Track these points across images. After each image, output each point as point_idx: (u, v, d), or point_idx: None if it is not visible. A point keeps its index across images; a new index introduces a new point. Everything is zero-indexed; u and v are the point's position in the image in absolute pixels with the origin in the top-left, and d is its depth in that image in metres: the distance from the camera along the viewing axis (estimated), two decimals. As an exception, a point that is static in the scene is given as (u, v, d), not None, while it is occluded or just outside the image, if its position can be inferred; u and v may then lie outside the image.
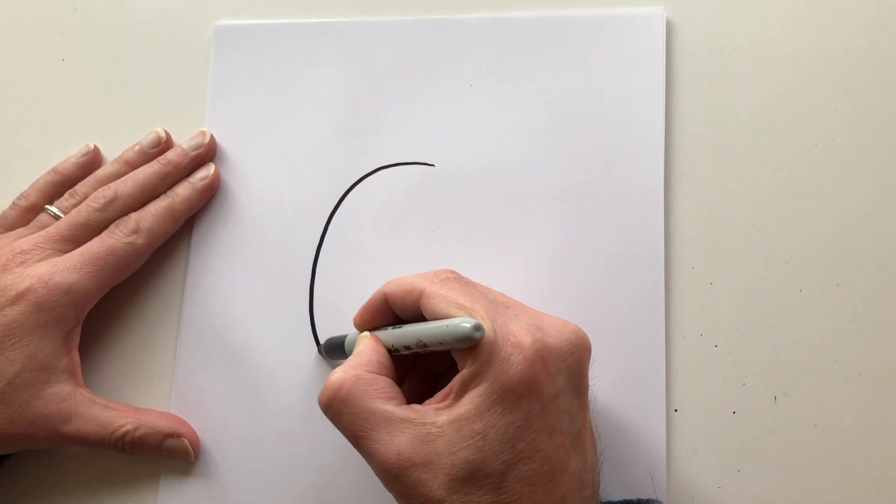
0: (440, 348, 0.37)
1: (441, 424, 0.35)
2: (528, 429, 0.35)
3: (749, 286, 0.46)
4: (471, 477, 0.35)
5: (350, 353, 0.42)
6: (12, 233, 0.49)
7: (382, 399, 0.37)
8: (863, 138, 0.47)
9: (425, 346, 0.38)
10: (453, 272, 0.40)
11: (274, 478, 0.46)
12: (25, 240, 0.47)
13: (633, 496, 0.43)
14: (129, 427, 0.45)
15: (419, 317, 0.39)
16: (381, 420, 0.37)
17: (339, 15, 0.53)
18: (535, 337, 0.36)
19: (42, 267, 0.45)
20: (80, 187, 0.50)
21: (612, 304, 0.46)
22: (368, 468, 0.46)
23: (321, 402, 0.38)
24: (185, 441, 0.46)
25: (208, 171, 0.50)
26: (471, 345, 0.35)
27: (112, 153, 0.52)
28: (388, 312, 0.41)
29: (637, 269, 0.46)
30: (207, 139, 0.51)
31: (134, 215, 0.48)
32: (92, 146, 0.52)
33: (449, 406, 0.36)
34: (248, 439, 0.47)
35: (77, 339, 0.47)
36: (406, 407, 0.37)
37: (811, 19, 0.49)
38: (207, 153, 0.51)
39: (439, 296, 0.38)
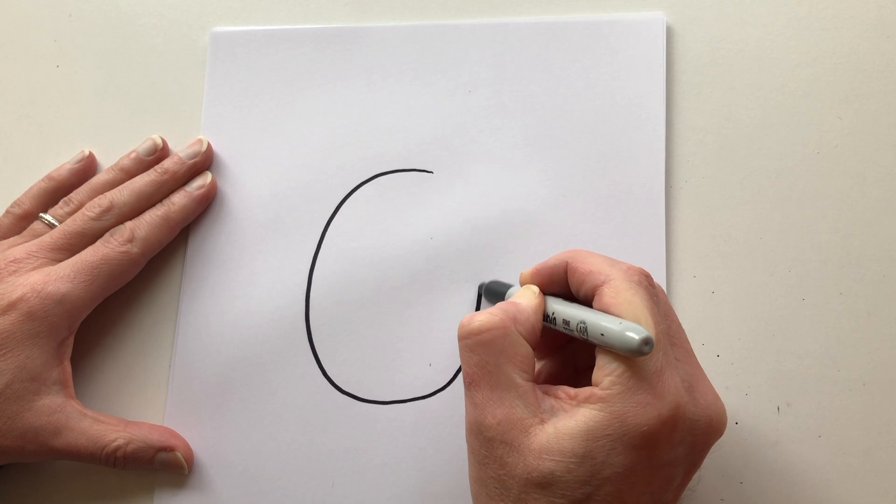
0: (598, 341, 0.34)
1: (547, 423, 0.34)
2: (625, 480, 0.33)
3: (751, 295, 0.45)
4: (546, 487, 0.33)
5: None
6: (6, 241, 0.48)
7: (516, 366, 0.36)
8: (865, 145, 0.47)
9: (585, 331, 0.35)
10: (647, 276, 0.37)
11: (270, 489, 0.46)
12: (19, 248, 0.47)
13: None
14: (120, 442, 0.45)
15: (587, 300, 0.37)
16: (503, 384, 0.35)
17: (335, 21, 0.53)
18: (680, 398, 0.34)
19: (35, 276, 0.45)
20: (76, 195, 0.50)
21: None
22: (366, 479, 0.45)
23: (462, 330, 0.37)
24: (179, 454, 0.46)
25: (205, 179, 0.50)
26: (632, 355, 0.33)
27: (107, 160, 0.52)
28: (560, 281, 0.39)
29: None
30: (204, 147, 0.50)
31: (129, 224, 0.48)
32: (87, 152, 0.52)
33: (566, 410, 0.34)
34: (244, 450, 0.47)
35: (69, 350, 0.46)
36: (531, 386, 0.36)
37: (813, 25, 0.49)
38: (204, 161, 0.51)
39: (624, 294, 0.35)
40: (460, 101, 0.50)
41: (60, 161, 0.52)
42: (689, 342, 0.38)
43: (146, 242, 0.48)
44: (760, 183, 0.47)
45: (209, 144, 0.51)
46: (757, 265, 0.46)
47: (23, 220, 0.50)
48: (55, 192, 0.50)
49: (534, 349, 0.37)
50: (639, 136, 0.48)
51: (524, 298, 0.38)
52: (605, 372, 0.34)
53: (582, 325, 0.35)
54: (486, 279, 0.47)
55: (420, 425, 0.46)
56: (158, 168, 0.50)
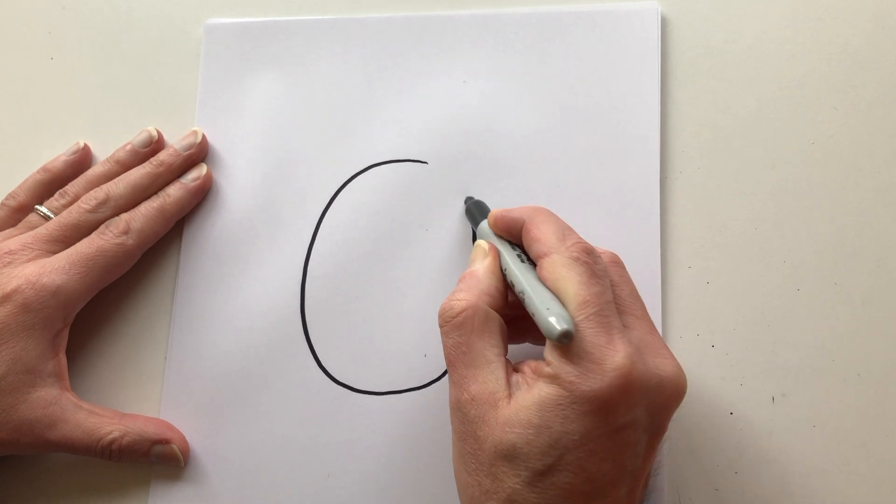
0: (533, 318, 0.36)
1: (512, 398, 0.35)
2: (583, 447, 0.34)
3: (746, 285, 0.45)
4: (511, 459, 0.34)
5: (478, 233, 0.44)
6: (1, 233, 0.48)
7: (489, 342, 0.37)
8: (861, 136, 0.47)
9: (524, 303, 0.37)
10: (588, 251, 0.37)
11: (266, 481, 0.46)
12: (14, 240, 0.47)
13: None
14: (116, 434, 0.45)
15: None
16: (477, 361, 0.37)
17: (330, 12, 0.53)
18: (630, 360, 0.34)
19: (30, 268, 0.45)
20: (71, 187, 0.49)
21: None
22: (362, 470, 0.45)
23: (441, 316, 0.38)
24: (174, 447, 0.46)
25: (200, 171, 0.50)
26: (552, 339, 0.34)
27: (102, 151, 0.52)
28: (519, 234, 0.41)
29: (633, 268, 0.45)
30: (199, 139, 0.50)
31: (124, 216, 0.48)
32: (82, 144, 0.52)
33: (528, 384, 0.36)
34: (240, 442, 0.47)
35: (65, 342, 0.46)
36: (503, 362, 0.37)
37: (809, 15, 0.49)
38: (199, 153, 0.51)
39: (559, 271, 0.37)
40: (455, 91, 0.50)
41: (55, 153, 0.52)
42: (642, 309, 0.39)
43: (141, 234, 0.48)
44: (755, 174, 0.47)
45: (204, 136, 0.51)
46: (752, 256, 0.46)
47: (18, 213, 0.50)
48: (50, 184, 0.50)
49: (506, 306, 0.39)
50: (634, 127, 0.48)
51: (479, 262, 0.41)
52: (552, 348, 0.35)
53: (522, 297, 0.37)
54: (475, 195, 0.48)
55: (416, 415, 0.46)
56: (154, 160, 0.50)
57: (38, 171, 0.51)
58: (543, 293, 0.36)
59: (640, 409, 0.35)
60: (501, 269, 0.40)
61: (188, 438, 0.47)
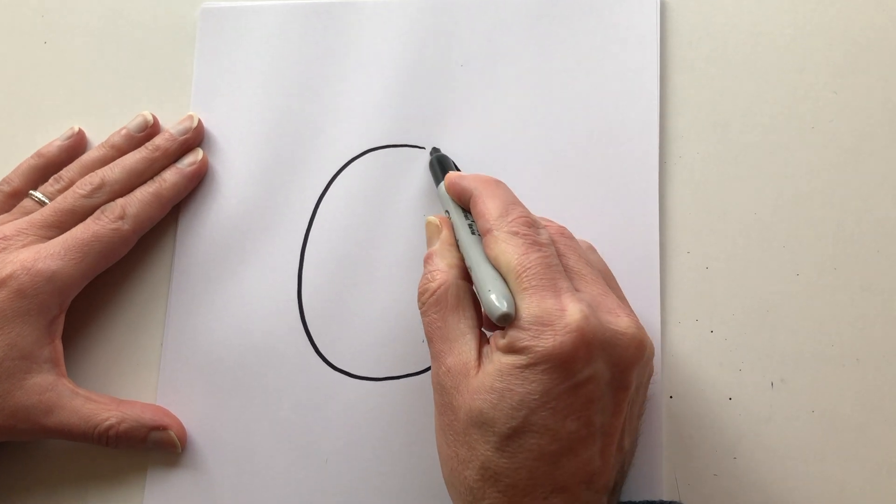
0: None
1: (481, 367, 0.36)
2: (545, 405, 0.34)
3: (745, 271, 0.45)
4: (480, 426, 0.35)
5: (438, 193, 0.44)
6: (-5, 219, 0.48)
7: (462, 314, 0.39)
8: (860, 121, 0.47)
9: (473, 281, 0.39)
10: (528, 222, 0.39)
11: (263, 467, 0.46)
12: (8, 226, 0.46)
13: (654, 497, 0.43)
14: (113, 421, 0.44)
15: None
16: (452, 333, 0.38)
17: (327, -4, 0.52)
18: (583, 315, 0.35)
19: (25, 253, 0.45)
20: (66, 172, 0.49)
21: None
22: (360, 455, 0.45)
23: (419, 299, 0.40)
24: (171, 433, 0.46)
25: (196, 156, 0.50)
26: (495, 318, 0.36)
27: (97, 136, 0.52)
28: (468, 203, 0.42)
29: (632, 253, 0.46)
30: (195, 124, 0.50)
31: (120, 201, 0.47)
32: (76, 129, 0.51)
33: (491, 352, 0.37)
34: (237, 428, 0.47)
35: (60, 328, 0.46)
36: (477, 333, 0.38)
37: (808, 0, 0.48)
38: (195, 138, 0.50)
39: (500, 246, 0.38)
40: (452, 75, 0.50)
41: (49, 138, 0.51)
42: (593, 275, 0.39)
43: (137, 219, 0.47)
44: (755, 158, 0.47)
45: (200, 121, 0.50)
46: (751, 241, 0.46)
47: (12, 198, 0.49)
48: (45, 170, 0.50)
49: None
50: (632, 112, 0.48)
51: (436, 239, 0.41)
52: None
53: (470, 270, 0.39)
54: (438, 146, 0.49)
55: (414, 401, 0.46)
56: (149, 145, 0.49)
57: (32, 157, 0.50)
58: (486, 271, 0.37)
59: (600, 364, 0.35)
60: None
61: (185, 425, 0.47)
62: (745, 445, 0.44)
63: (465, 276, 0.39)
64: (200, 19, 0.53)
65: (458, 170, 0.46)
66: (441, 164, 0.46)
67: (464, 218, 0.41)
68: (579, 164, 0.47)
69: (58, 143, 0.51)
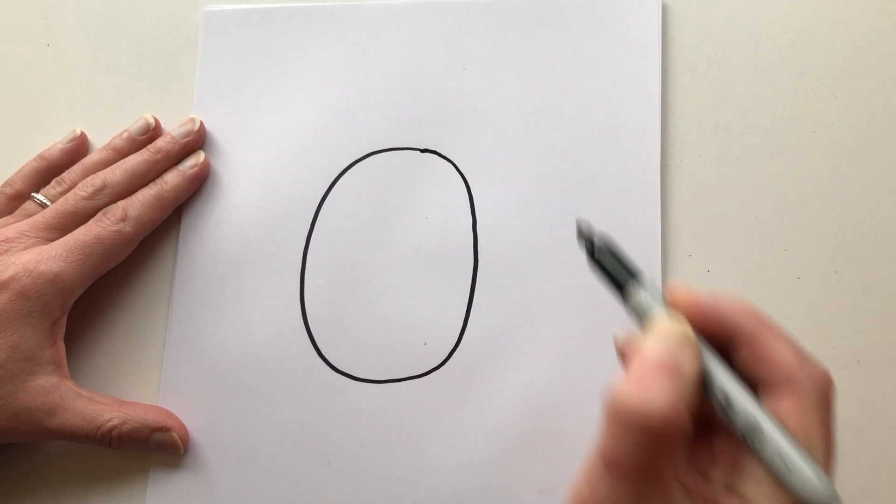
0: (770, 464, 0.29)
1: None
2: None
3: (747, 273, 0.45)
4: None
5: (638, 309, 0.33)
6: (-3, 221, 0.48)
7: (674, 467, 0.30)
8: (861, 123, 0.47)
9: (754, 442, 0.30)
10: (833, 385, 0.31)
11: (265, 468, 0.46)
12: (10, 228, 0.46)
13: None
14: (115, 422, 0.44)
15: (749, 379, 0.31)
16: (656, 488, 0.29)
17: (329, -1, 0.52)
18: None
19: (27, 255, 0.45)
20: (68, 175, 0.49)
21: (609, 291, 0.45)
22: (362, 458, 0.45)
23: (622, 403, 0.28)
24: (174, 434, 0.46)
25: (198, 158, 0.50)
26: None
27: (99, 139, 0.52)
28: (723, 334, 0.32)
29: (634, 255, 0.46)
30: (197, 126, 0.50)
31: (122, 203, 0.47)
32: (79, 132, 0.51)
33: None
34: (239, 430, 0.47)
35: (62, 330, 0.46)
36: (674, 486, 0.30)
37: (809, 3, 0.48)
38: (197, 140, 0.50)
39: (810, 417, 0.29)
40: (454, 78, 0.50)
41: (52, 141, 0.51)
42: None
43: (139, 221, 0.47)
44: (756, 161, 0.47)
45: (202, 123, 0.50)
46: (752, 243, 0.46)
47: (14, 200, 0.49)
48: (47, 172, 0.50)
49: None
50: (634, 114, 0.48)
51: (687, 361, 0.30)
52: (764, 494, 0.29)
53: (755, 433, 0.30)
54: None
55: (415, 404, 0.46)
56: (151, 147, 0.50)
57: (34, 159, 0.51)
58: (791, 443, 0.29)
59: None
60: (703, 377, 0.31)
61: (187, 426, 0.47)
62: (746, 448, 0.44)
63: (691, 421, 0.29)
64: (203, 22, 0.53)
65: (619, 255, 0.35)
66: (615, 256, 0.34)
67: (712, 354, 0.31)
68: (581, 167, 0.47)
69: (60, 145, 0.51)
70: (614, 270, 0.34)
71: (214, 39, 0.52)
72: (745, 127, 0.47)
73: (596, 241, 0.35)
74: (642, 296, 0.33)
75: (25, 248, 0.45)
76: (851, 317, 0.44)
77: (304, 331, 0.47)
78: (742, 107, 0.48)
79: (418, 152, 0.49)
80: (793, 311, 0.45)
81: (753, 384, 0.31)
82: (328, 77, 0.51)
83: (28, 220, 0.47)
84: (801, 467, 0.28)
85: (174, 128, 0.50)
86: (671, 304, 0.32)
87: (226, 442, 0.47)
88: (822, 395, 0.30)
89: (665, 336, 0.30)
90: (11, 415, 0.43)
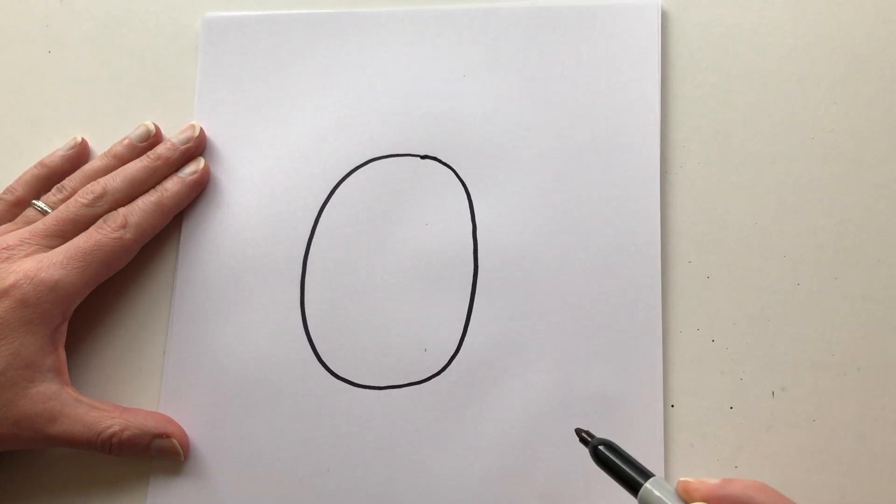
0: None
1: None
2: None
3: (746, 280, 0.45)
4: None
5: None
6: (-2, 228, 0.48)
7: None
8: (861, 130, 0.47)
9: None
10: None
11: (266, 475, 0.46)
12: (11, 235, 0.46)
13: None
14: (116, 428, 0.44)
15: None
16: None
17: (329, 6, 0.52)
18: None
19: (28, 263, 0.45)
20: (68, 182, 0.49)
21: (609, 298, 0.46)
22: (362, 464, 0.45)
23: None
24: (174, 441, 0.46)
25: (198, 165, 0.50)
26: None
27: (99, 146, 0.52)
28: None
29: (633, 262, 0.46)
30: (197, 133, 0.50)
31: (122, 210, 0.47)
32: (79, 139, 0.51)
33: None
34: (239, 437, 0.47)
35: (63, 337, 0.46)
36: None
37: (808, 9, 0.49)
38: (197, 147, 0.50)
39: None
40: (454, 85, 0.50)
41: (52, 148, 0.52)
42: None
43: (139, 228, 0.47)
44: (756, 168, 0.47)
45: (202, 130, 0.51)
46: (752, 250, 0.46)
47: (15, 207, 0.49)
48: (48, 179, 0.50)
49: None
50: (634, 121, 0.48)
51: None
52: None
53: None
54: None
55: (416, 410, 0.46)
56: (151, 154, 0.50)
57: (35, 166, 0.51)
58: None
59: None
60: None
61: (188, 432, 0.47)
62: (746, 454, 0.44)
63: None
64: (203, 29, 0.53)
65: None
66: (629, 462, 0.37)
67: None
68: (581, 174, 0.47)
69: (61, 152, 0.51)
70: (623, 472, 0.37)
71: (215, 46, 0.52)
72: (744, 133, 0.47)
73: (600, 448, 0.38)
74: (656, 497, 0.35)
75: (26, 256, 0.45)
76: (851, 323, 0.44)
77: (305, 337, 0.47)
78: (741, 113, 0.48)
79: (418, 159, 0.49)
80: (792, 317, 0.45)
81: None
82: (329, 84, 0.51)
83: (29, 228, 0.47)
84: None
85: (174, 135, 0.50)
86: (685, 496, 0.34)
87: (226, 448, 0.47)
88: None
89: None
90: (12, 422, 0.43)
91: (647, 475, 0.36)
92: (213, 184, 0.50)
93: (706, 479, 0.34)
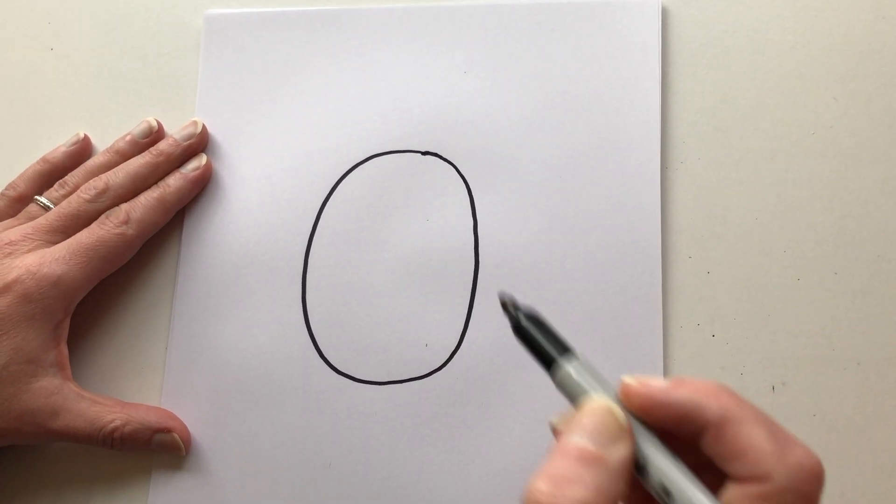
0: None
1: None
2: None
3: (747, 275, 0.46)
4: None
5: (568, 388, 0.30)
6: (0, 224, 0.48)
7: None
8: (860, 126, 0.47)
9: None
10: (822, 479, 0.27)
11: (267, 470, 0.46)
12: (14, 230, 0.47)
13: None
14: (118, 423, 0.45)
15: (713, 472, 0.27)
16: None
17: (330, 3, 0.52)
18: None
19: (30, 258, 0.45)
20: (71, 178, 0.49)
21: (609, 294, 0.46)
22: (363, 460, 0.45)
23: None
24: (176, 436, 0.46)
25: (200, 161, 0.50)
26: None
27: (102, 143, 0.52)
28: (683, 423, 0.28)
29: (634, 258, 0.46)
30: (199, 129, 0.50)
31: (124, 206, 0.48)
32: (82, 135, 0.52)
33: None
34: (241, 432, 0.47)
35: (66, 332, 0.46)
36: None
37: (808, 6, 0.49)
38: (199, 143, 0.50)
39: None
40: (455, 82, 0.50)
41: (55, 144, 0.52)
42: None
43: (141, 224, 0.47)
44: (756, 164, 0.47)
45: (204, 126, 0.51)
46: (752, 246, 0.46)
47: (18, 203, 0.49)
48: (50, 175, 0.50)
49: None
50: (634, 118, 0.48)
51: (609, 447, 0.27)
52: None
53: None
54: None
55: (417, 406, 0.46)
56: (153, 150, 0.50)
57: (37, 162, 0.51)
58: None
59: None
60: (637, 465, 0.28)
61: (189, 427, 0.47)
62: (746, 449, 0.44)
63: None
64: (205, 26, 0.53)
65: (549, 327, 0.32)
66: (545, 332, 0.31)
67: (650, 436, 0.28)
68: (581, 170, 0.48)
69: (63, 148, 0.51)
70: (542, 346, 0.31)
71: (216, 43, 0.53)
72: (744, 130, 0.47)
73: (521, 314, 0.31)
74: (573, 375, 0.29)
75: (29, 251, 0.45)
76: (851, 318, 0.45)
77: (306, 332, 0.47)
78: (741, 110, 0.48)
79: (419, 155, 0.49)
80: (793, 312, 0.45)
81: (724, 476, 0.27)
82: (330, 80, 0.51)
83: (31, 223, 0.47)
84: None
85: (176, 131, 0.50)
86: (624, 400, 0.28)
87: (228, 443, 0.47)
88: (799, 493, 0.25)
89: (588, 422, 0.27)
90: (15, 416, 0.43)
91: (570, 354, 0.30)
92: (215, 180, 0.50)
93: (652, 379, 0.28)
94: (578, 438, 0.27)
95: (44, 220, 0.47)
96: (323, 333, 0.47)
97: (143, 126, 0.51)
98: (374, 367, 0.47)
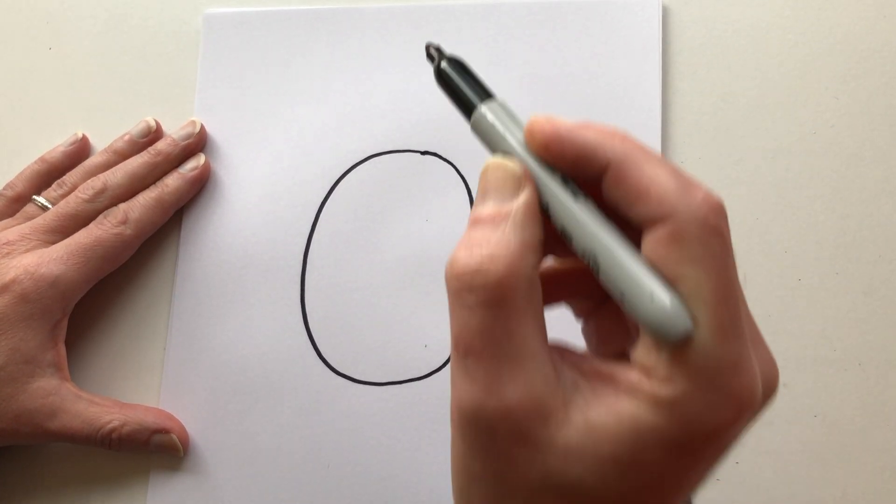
0: (624, 308, 0.24)
1: (572, 409, 0.24)
2: (671, 487, 0.25)
3: (748, 275, 0.45)
4: (568, 497, 0.25)
5: (486, 136, 0.29)
6: (-1, 223, 0.48)
7: (534, 324, 0.25)
8: (862, 126, 0.47)
9: (598, 272, 0.25)
10: (725, 213, 0.25)
11: (265, 471, 0.46)
12: (12, 230, 0.46)
13: None
14: (115, 423, 0.45)
15: (619, 211, 0.25)
16: (516, 354, 0.24)
17: (329, 2, 0.52)
18: (758, 390, 0.24)
19: (28, 258, 0.45)
20: (69, 177, 0.49)
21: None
22: (362, 461, 0.45)
23: (458, 278, 0.25)
24: (174, 436, 0.46)
25: (198, 161, 0.50)
26: (668, 342, 0.23)
27: (100, 142, 0.52)
28: (588, 167, 0.26)
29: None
30: (198, 129, 0.50)
31: (122, 206, 0.47)
32: (80, 135, 0.52)
33: (596, 394, 0.25)
34: (240, 432, 0.47)
35: (63, 333, 0.46)
36: (549, 352, 0.25)
37: (809, 4, 0.49)
38: (198, 143, 0.50)
39: (692, 249, 0.24)
40: (455, 81, 0.50)
41: (53, 144, 0.52)
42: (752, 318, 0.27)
43: (139, 224, 0.47)
44: (757, 163, 0.47)
45: (202, 126, 0.51)
46: (753, 246, 0.46)
47: (16, 203, 0.49)
48: (48, 175, 0.50)
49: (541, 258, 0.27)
50: (634, 117, 0.48)
51: (509, 196, 0.26)
52: (659, 354, 0.24)
53: (596, 262, 0.25)
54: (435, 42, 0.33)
55: (416, 406, 0.46)
56: (152, 150, 0.50)
57: (35, 162, 0.51)
58: (642, 270, 0.24)
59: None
60: (542, 207, 0.26)
61: (188, 429, 0.47)
62: (747, 450, 0.44)
63: (538, 263, 0.26)
64: (204, 25, 0.53)
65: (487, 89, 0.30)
66: (469, 79, 0.30)
67: (563, 182, 0.26)
68: (581, 169, 0.47)
69: (61, 148, 0.51)
70: (462, 92, 0.30)
71: (215, 42, 0.52)
72: (745, 130, 0.47)
73: (445, 59, 0.30)
74: (487, 117, 0.29)
75: (27, 251, 0.45)
76: (852, 319, 0.44)
77: (305, 333, 0.47)
78: (742, 109, 0.48)
79: (419, 154, 0.49)
80: (794, 313, 0.45)
81: (627, 217, 0.25)
82: (329, 80, 0.51)
83: (29, 223, 0.47)
84: (645, 298, 0.23)
85: (175, 131, 0.50)
86: (528, 138, 0.27)
87: (226, 444, 0.47)
88: (706, 225, 0.24)
89: (487, 184, 0.27)
90: (12, 417, 0.43)
91: (490, 99, 0.29)
92: (214, 180, 0.50)
93: (559, 118, 0.27)
94: (482, 205, 0.26)
95: (42, 220, 0.47)
96: (322, 334, 0.47)
97: (142, 126, 0.51)
98: (373, 368, 0.47)
